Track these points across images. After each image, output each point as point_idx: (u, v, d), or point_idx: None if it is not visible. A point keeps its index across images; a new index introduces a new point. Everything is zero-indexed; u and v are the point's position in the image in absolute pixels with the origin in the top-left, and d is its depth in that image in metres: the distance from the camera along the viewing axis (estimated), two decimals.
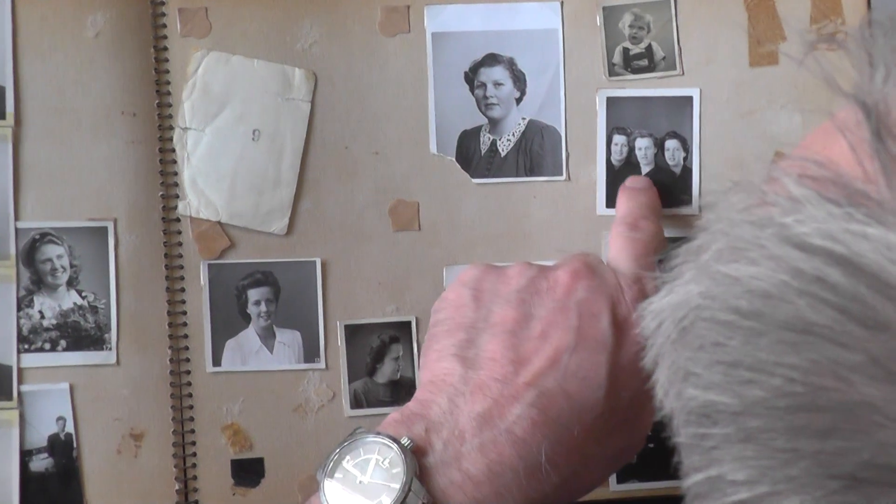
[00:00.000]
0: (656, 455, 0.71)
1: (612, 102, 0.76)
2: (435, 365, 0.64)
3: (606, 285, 0.66)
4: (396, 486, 0.59)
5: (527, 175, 0.76)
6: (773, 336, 0.39)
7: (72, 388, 0.74)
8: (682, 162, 0.76)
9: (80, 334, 0.75)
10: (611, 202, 0.76)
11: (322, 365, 0.76)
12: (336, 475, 0.60)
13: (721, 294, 0.41)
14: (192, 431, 0.75)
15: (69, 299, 0.75)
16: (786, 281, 0.39)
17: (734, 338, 0.40)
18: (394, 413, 0.63)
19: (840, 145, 0.42)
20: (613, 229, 0.71)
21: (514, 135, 0.77)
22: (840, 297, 0.38)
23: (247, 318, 0.76)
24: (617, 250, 0.70)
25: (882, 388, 0.37)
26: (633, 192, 0.74)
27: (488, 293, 0.66)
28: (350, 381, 0.76)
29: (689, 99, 0.75)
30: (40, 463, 0.74)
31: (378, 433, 0.61)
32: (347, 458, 0.61)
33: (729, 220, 0.43)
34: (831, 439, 0.37)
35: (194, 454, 0.75)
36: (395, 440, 0.60)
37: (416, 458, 0.60)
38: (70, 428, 0.74)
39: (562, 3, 0.76)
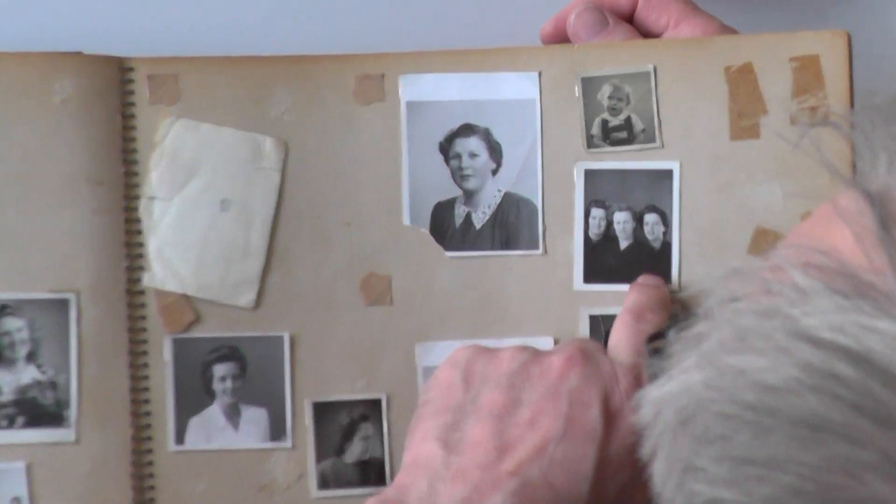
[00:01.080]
0: None
1: (590, 175, 0.75)
2: (418, 446, 0.64)
3: (600, 374, 0.65)
4: None
5: (502, 248, 0.75)
6: (785, 432, 0.39)
7: (29, 467, 0.72)
8: (661, 236, 0.75)
9: (38, 411, 0.72)
10: (588, 277, 0.75)
11: (289, 444, 0.74)
12: None
13: (727, 386, 0.41)
14: None
15: (28, 374, 0.72)
16: (796, 376, 0.39)
17: (742, 432, 0.40)
18: (371, 499, 0.62)
19: (843, 233, 0.42)
20: (618, 318, 0.70)
21: (489, 207, 0.76)
22: (852, 393, 0.38)
23: (212, 395, 0.74)
24: (618, 339, 0.69)
25: (895, 486, 0.37)
26: (644, 287, 0.73)
27: (478, 375, 0.66)
28: (318, 461, 0.74)
29: (669, 172, 0.74)
30: None
31: None
32: None
33: (733, 308, 0.43)
34: None
35: None
36: None
37: None
38: None
39: (540, 74, 0.75)
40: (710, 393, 0.42)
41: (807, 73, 0.73)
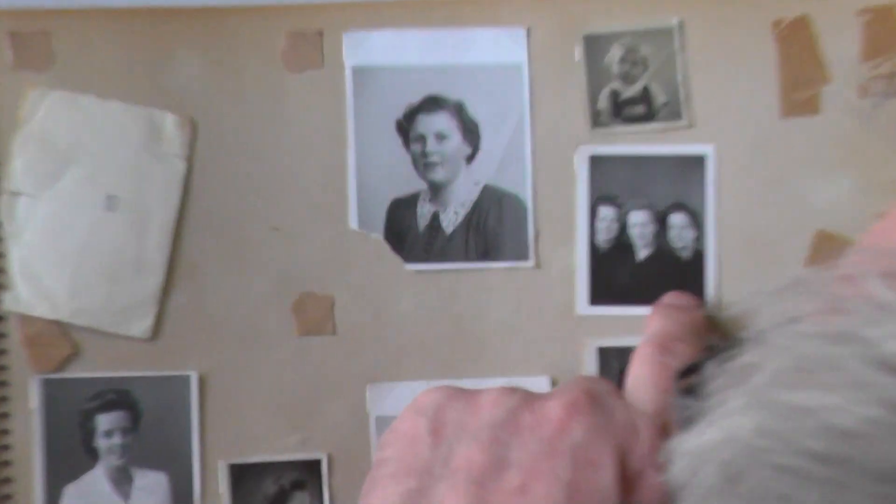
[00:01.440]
0: None
1: (596, 163, 0.69)
2: None
3: (614, 425, 0.59)
4: None
5: (480, 260, 0.70)
6: (863, 489, 0.37)
7: None
8: (691, 243, 0.69)
9: None
10: (596, 297, 0.70)
11: None
12: None
13: (787, 431, 0.39)
14: None
15: None
16: (878, 416, 0.37)
17: (809, 491, 0.38)
18: None
19: None
20: (639, 350, 0.64)
21: (463, 205, 0.70)
22: None
23: (94, 455, 0.68)
24: (638, 377, 0.62)
25: None
26: (671, 308, 0.67)
27: (452, 426, 0.59)
28: None
29: (701, 159, 0.69)
30: None
31: None
32: None
33: (791, 332, 0.41)
34: None
35: None
36: None
37: None
38: None
39: (528, 30, 0.69)
40: (765, 441, 0.40)
41: (880, 29, 0.69)
